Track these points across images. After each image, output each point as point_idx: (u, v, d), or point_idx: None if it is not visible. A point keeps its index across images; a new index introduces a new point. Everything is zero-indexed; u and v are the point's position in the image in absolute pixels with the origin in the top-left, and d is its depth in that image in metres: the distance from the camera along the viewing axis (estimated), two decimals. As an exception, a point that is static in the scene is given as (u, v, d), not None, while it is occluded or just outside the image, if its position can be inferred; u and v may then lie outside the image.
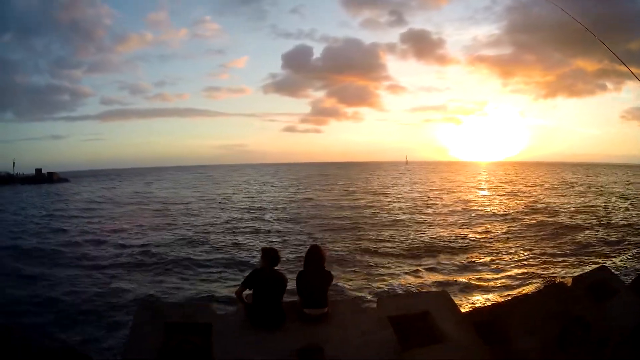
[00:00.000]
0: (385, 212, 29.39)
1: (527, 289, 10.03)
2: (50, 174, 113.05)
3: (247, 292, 5.59)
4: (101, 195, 57.56)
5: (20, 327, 8.65)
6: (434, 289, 11.08)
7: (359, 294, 11.01)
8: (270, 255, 5.64)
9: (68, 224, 27.81)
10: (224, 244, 19.19)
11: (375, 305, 6.01)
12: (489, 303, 8.56)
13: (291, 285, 5.68)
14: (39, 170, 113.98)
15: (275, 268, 5.67)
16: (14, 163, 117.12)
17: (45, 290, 12.67)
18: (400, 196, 41.15)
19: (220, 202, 39.40)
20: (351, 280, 12.58)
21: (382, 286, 12.12)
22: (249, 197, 45.03)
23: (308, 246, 6.15)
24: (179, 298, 11.73)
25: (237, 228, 23.87)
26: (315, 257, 5.78)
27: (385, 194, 43.90)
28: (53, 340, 8.30)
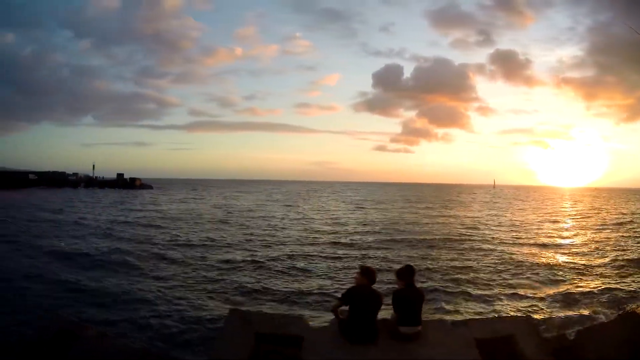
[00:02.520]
0: (479, 235, 29.73)
1: (604, 319, 10.33)
2: (133, 179, 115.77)
3: (343, 307, 6.05)
4: (185, 204, 60.40)
5: (95, 323, 9.41)
6: (518, 314, 11.48)
7: (449, 314, 11.71)
8: (368, 273, 6.12)
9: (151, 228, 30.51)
10: (316, 259, 20.30)
11: (463, 326, 6.37)
12: (569, 331, 8.98)
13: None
14: (120, 175, 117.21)
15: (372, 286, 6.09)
16: (93, 166, 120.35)
17: (124, 290, 14.05)
18: (493, 221, 41.16)
19: (312, 219, 41.14)
20: (441, 299, 13.33)
21: (470, 307, 12.82)
22: (343, 214, 46.66)
23: (402, 265, 6.62)
24: (270, 308, 12.50)
25: (331, 245, 24.98)
26: (409, 276, 6.23)
27: (479, 218, 44.25)
28: (131, 340, 9.09)
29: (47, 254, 20.12)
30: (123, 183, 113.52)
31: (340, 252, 22.60)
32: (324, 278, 16.51)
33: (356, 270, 6.48)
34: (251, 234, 28.34)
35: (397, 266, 7.15)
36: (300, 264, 19.03)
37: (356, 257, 21.04)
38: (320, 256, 21.07)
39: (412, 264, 7.04)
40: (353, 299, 5.93)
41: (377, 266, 16.95)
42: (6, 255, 19.40)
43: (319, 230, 31.46)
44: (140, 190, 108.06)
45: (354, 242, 26.16)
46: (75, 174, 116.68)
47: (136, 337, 9.93)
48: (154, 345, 9.36)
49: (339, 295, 6.57)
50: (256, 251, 22.09)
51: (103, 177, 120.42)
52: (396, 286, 6.48)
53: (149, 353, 5.58)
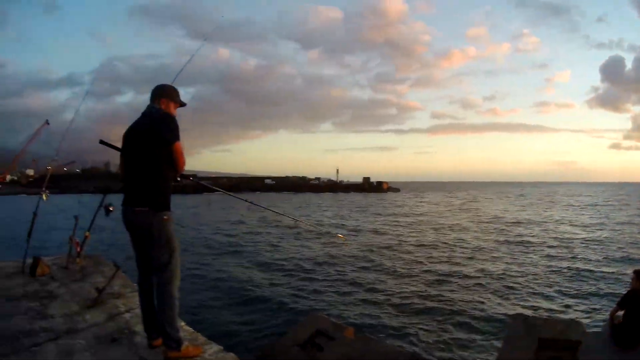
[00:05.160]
0: None
1: None
2: (380, 183, 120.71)
3: (619, 312, 6.02)
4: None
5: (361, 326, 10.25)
6: None
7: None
8: None
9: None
10: (593, 262, 19.75)
11: None
12: None
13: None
14: (366, 179, 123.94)
15: None
16: (337, 170, 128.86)
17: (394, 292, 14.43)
18: None
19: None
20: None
21: None
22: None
23: None
24: (547, 313, 12.45)
25: (599, 248, 23.91)
26: None
27: None
28: (397, 345, 9.05)
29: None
30: (369, 186, 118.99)
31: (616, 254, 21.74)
32: (606, 282, 16.01)
33: (631, 276, 6.36)
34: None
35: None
36: (573, 267, 18.60)
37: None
38: (597, 259, 20.42)
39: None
40: (629, 303, 5.96)
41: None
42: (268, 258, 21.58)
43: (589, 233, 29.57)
44: (388, 193, 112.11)
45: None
46: (317, 178, 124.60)
47: (408, 340, 10.22)
48: (425, 351, 9.64)
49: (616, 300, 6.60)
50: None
51: (348, 181, 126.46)
52: None
53: (416, 357, 5.91)
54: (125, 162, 3.89)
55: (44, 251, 8.85)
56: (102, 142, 4.34)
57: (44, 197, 6.87)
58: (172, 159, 3.76)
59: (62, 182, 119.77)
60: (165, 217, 3.74)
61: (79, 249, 6.66)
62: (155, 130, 3.70)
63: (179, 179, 4.08)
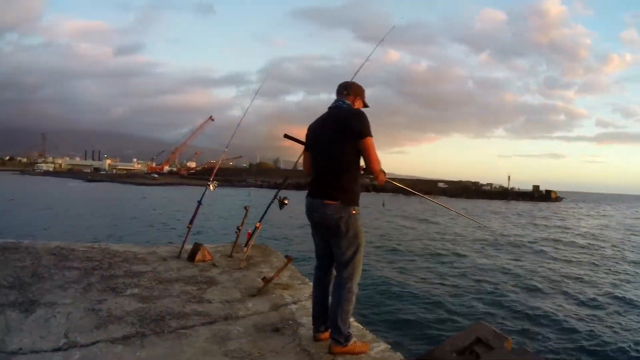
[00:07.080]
0: None
1: None
2: (548, 191, 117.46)
3: None
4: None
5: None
6: None
7: None
8: None
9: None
10: None
11: None
12: None
13: None
14: (536, 187, 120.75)
15: None
16: (509, 177, 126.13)
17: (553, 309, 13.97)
18: None
19: None
20: None
21: None
22: None
23: None
24: None
25: None
26: None
27: None
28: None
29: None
30: (539, 195, 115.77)
31: None
32: None
33: None
34: None
35: None
36: None
37: None
38: None
39: None
40: None
41: None
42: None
43: None
44: (556, 202, 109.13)
45: None
46: (489, 184, 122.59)
47: (560, 354, 10.23)
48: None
49: None
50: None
51: (519, 188, 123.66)
52: None
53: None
54: (313, 156, 4.04)
55: (205, 239, 9.45)
56: (286, 136, 4.56)
57: (212, 188, 7.27)
58: (364, 154, 3.84)
59: (229, 175, 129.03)
60: (354, 211, 3.83)
61: (247, 239, 6.91)
62: (349, 123, 3.79)
63: (374, 184, 4.13)
